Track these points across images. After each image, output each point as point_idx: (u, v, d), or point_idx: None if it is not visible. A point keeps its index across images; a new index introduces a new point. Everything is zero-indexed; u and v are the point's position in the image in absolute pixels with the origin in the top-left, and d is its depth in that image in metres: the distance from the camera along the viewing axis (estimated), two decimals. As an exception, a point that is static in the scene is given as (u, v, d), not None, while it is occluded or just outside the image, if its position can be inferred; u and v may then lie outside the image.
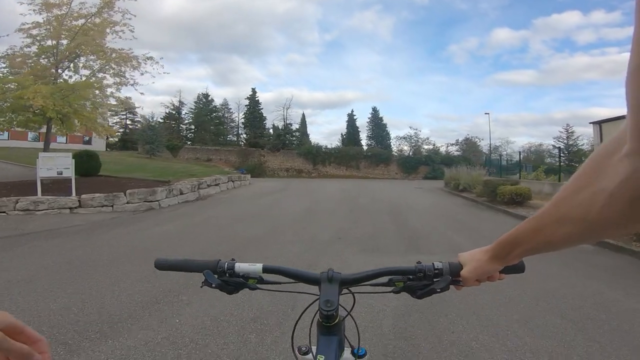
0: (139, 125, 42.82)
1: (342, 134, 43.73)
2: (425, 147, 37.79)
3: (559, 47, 62.32)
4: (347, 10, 71.85)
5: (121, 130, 46.21)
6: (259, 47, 67.98)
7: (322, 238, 5.73)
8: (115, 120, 46.94)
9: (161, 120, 43.38)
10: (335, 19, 72.12)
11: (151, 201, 8.33)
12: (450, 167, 22.42)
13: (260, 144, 39.28)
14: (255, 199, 11.75)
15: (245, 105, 43.95)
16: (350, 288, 0.75)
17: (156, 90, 61.25)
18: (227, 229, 6.40)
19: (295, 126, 42.94)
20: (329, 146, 37.38)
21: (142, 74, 12.46)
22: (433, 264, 0.70)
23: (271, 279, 0.76)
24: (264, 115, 44.01)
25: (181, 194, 9.65)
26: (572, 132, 39.41)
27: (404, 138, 38.85)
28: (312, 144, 37.60)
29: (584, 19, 59.03)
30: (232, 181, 15.10)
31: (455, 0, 63.73)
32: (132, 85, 12.20)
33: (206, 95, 45.48)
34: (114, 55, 11.73)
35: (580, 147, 37.95)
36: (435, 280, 0.69)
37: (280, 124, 42.43)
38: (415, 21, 69.71)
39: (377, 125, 42.39)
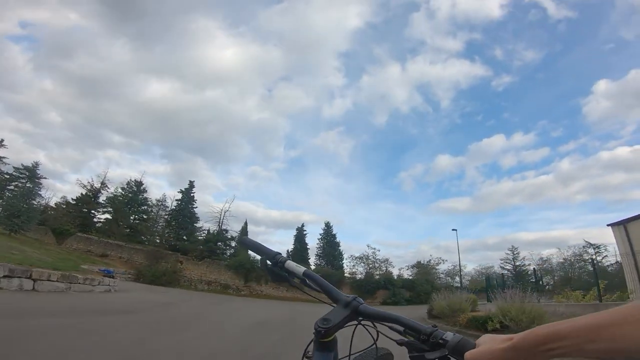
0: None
1: (288, 250, 36.71)
2: (385, 268, 32.00)
3: (488, 173, 65.76)
4: (314, 128, 74.62)
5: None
6: (225, 154, 64.80)
7: None
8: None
9: (72, 201, 34.33)
10: (301, 135, 73.89)
11: None
12: (424, 289, 15.97)
13: (179, 248, 30.74)
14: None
15: (177, 200, 36.73)
16: (362, 321, 0.75)
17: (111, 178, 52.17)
18: None
19: (232, 233, 35.59)
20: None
21: None
22: (445, 333, 0.63)
23: (309, 284, 0.86)
24: (197, 216, 36.65)
25: None
26: (518, 254, 39.16)
27: (359, 258, 32.80)
28: (249, 257, 29.90)
29: (506, 143, 63.70)
30: (32, 279, 7.19)
31: (408, 125, 68.85)
32: None
33: (138, 184, 37.86)
34: None
35: (526, 267, 37.82)
36: (434, 349, 0.63)
37: (215, 228, 35.03)
38: (372, 145, 73.16)
39: (329, 243, 36.40)
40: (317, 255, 35.77)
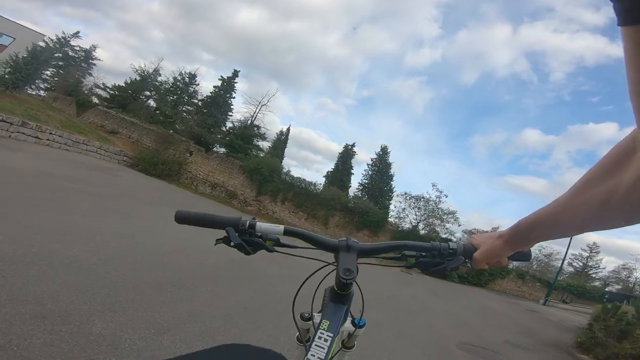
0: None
1: (327, 172, 29.87)
2: (444, 226, 23.58)
3: (580, 161, 56.54)
4: (392, 73, 68.11)
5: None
6: (298, 81, 65.69)
7: None
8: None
9: (124, 85, 31.24)
10: (377, 77, 69.87)
11: None
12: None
13: (201, 138, 25.81)
14: None
15: (215, 86, 31.14)
16: (365, 258, 0.74)
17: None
18: None
19: (265, 131, 29.61)
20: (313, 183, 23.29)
21: None
22: (449, 244, 0.71)
23: (289, 242, 0.75)
24: (232, 107, 31.08)
25: None
26: (598, 252, 34.28)
27: (415, 198, 24.41)
28: (275, 161, 23.44)
29: (617, 133, 51.90)
30: None
31: (502, 90, 56.24)
32: None
33: (192, 76, 33.01)
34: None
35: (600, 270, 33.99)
36: (448, 259, 0.70)
37: (247, 122, 29.30)
38: (451, 101, 63.63)
39: (381, 173, 28.16)
40: (360, 185, 28.32)
